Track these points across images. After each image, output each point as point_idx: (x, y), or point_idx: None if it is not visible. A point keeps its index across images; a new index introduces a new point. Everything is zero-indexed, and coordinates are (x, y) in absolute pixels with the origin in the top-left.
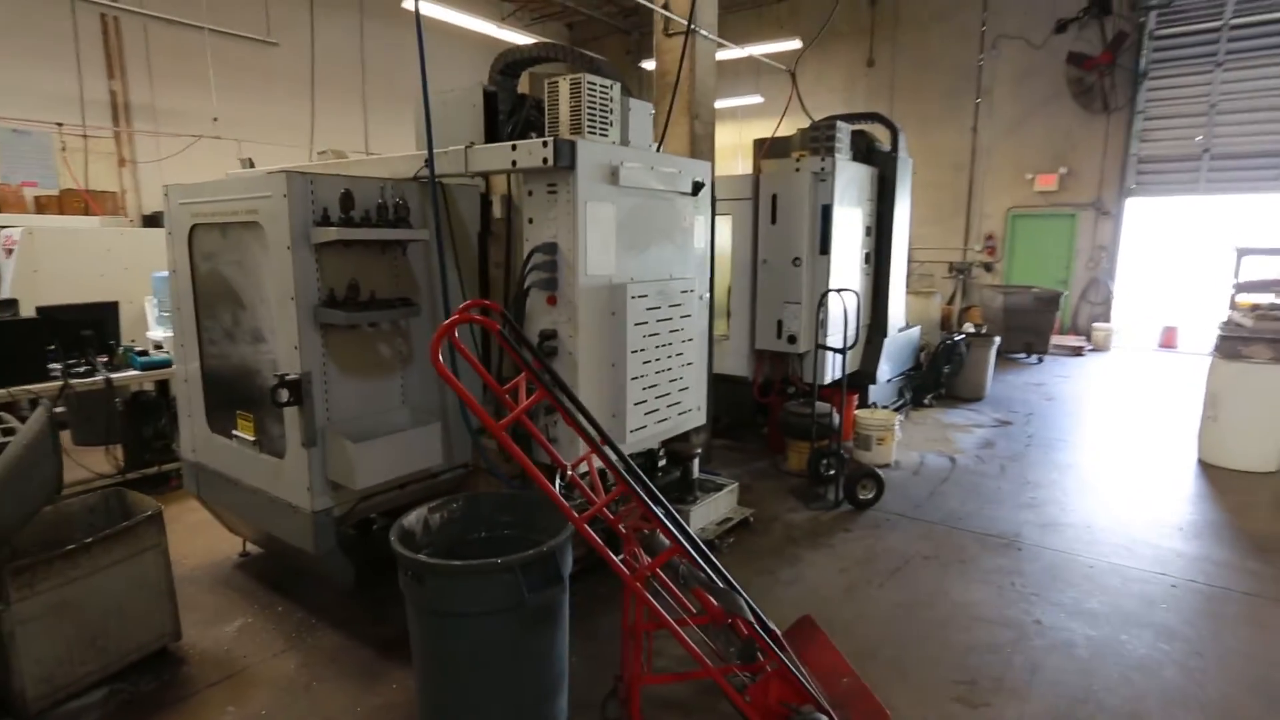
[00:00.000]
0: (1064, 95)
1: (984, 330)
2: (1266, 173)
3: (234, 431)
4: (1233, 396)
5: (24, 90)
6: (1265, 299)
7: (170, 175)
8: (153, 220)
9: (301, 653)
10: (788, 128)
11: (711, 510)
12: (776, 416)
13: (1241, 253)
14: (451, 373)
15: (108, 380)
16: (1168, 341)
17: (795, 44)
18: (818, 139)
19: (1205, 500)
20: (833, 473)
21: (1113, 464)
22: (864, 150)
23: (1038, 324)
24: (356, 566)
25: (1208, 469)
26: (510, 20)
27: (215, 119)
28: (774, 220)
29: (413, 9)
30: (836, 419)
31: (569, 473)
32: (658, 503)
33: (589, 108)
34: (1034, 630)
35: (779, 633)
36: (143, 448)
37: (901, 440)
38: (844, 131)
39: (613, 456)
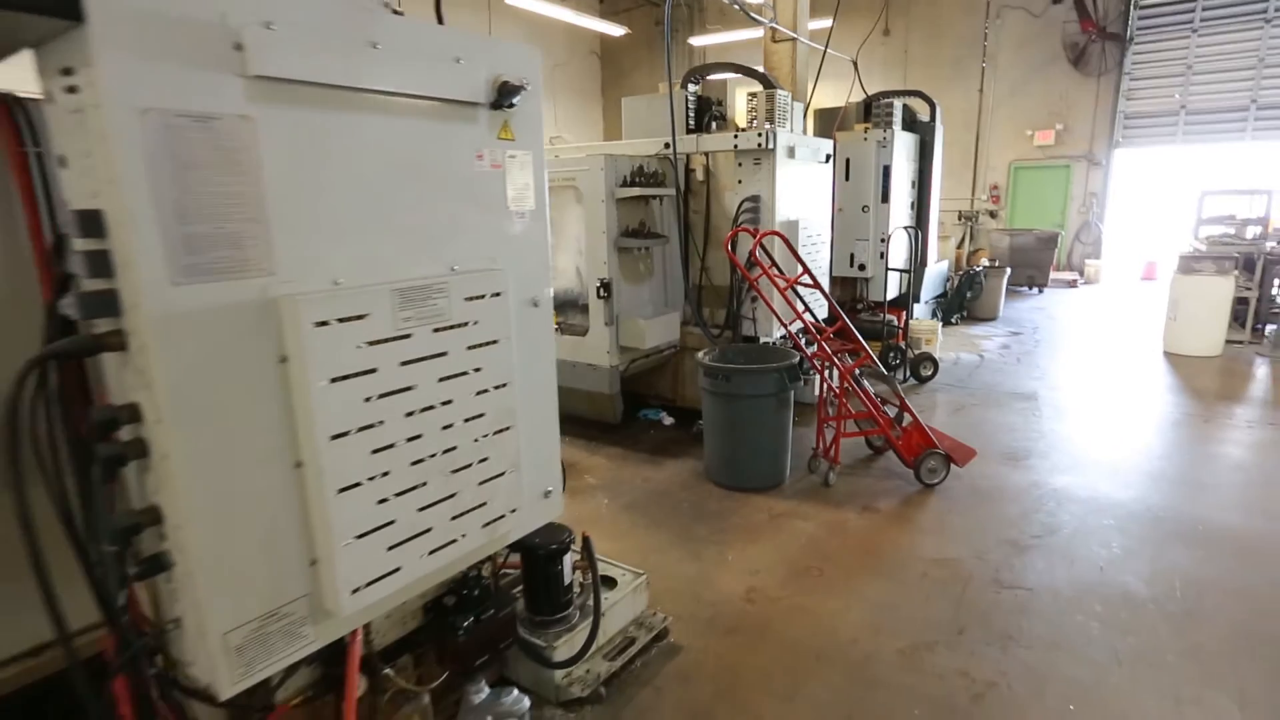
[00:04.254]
0: (1060, 60)
1: (997, 264)
2: (1233, 125)
3: None
4: (1187, 301)
5: None
6: (1219, 230)
7: None
8: None
9: (601, 455)
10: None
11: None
12: None
13: (1203, 193)
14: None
15: None
16: (1149, 274)
17: (827, 23)
18: (879, 114)
19: (1165, 373)
20: (898, 362)
21: (1101, 356)
22: (908, 121)
23: (1039, 261)
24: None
25: (1169, 356)
26: None
27: None
28: (847, 178)
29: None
30: (898, 323)
31: (788, 329)
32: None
33: (779, 109)
34: (1049, 431)
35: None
36: None
37: (939, 344)
38: (898, 108)
39: (808, 320)
